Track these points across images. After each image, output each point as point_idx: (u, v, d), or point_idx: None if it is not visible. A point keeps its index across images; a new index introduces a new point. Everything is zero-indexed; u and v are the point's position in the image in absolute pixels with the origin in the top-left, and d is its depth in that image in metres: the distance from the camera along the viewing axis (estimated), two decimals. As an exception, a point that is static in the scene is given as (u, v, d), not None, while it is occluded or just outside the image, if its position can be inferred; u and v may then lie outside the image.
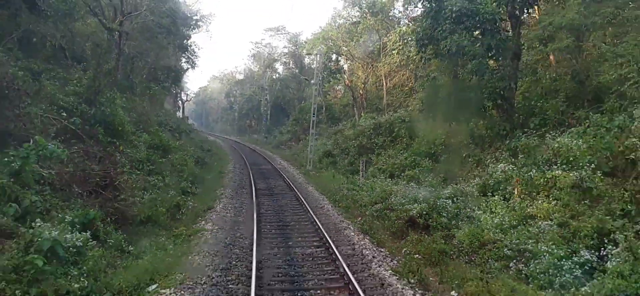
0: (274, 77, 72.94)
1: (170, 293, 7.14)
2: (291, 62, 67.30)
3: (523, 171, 13.02)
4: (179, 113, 58.34)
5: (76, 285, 6.51)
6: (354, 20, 42.95)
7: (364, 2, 41.65)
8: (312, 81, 41.08)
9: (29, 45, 17.09)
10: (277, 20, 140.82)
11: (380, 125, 29.11)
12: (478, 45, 19.01)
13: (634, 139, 11.62)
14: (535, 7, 21.41)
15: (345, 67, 46.63)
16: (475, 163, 17.82)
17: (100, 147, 13.80)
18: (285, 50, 68.27)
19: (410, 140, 25.68)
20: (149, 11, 27.95)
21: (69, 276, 6.65)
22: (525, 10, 20.62)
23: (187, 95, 74.34)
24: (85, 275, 6.93)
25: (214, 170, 24.02)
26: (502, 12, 20.01)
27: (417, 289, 7.99)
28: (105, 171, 11.86)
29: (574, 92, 18.27)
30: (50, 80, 15.81)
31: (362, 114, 39.06)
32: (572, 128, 15.24)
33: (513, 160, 14.68)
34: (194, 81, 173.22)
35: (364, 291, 7.53)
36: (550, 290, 8.45)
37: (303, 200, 16.27)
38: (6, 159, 8.96)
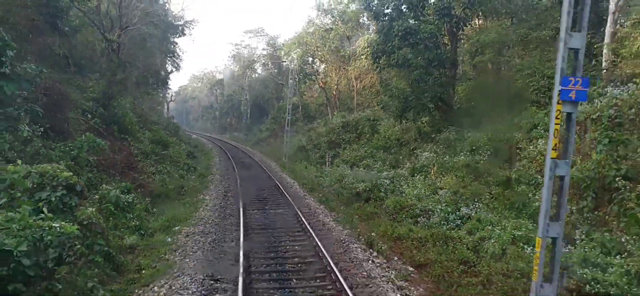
0: (254, 76, 76.74)
1: (189, 229, 11.32)
2: (270, 63, 71.20)
3: (440, 157, 17.52)
4: (165, 113, 61.68)
5: (132, 223, 10.61)
6: (327, 27, 47.23)
7: (335, 10, 45.99)
8: (289, 82, 45.32)
9: (51, 58, 20.82)
10: (257, 22, 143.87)
11: (348, 124, 33.49)
12: (419, 58, 23.50)
13: (517, 134, 16.21)
14: (471, 24, 26.07)
15: (321, 69, 50.90)
16: (415, 153, 22.35)
17: (117, 141, 17.75)
18: (264, 52, 72.18)
19: (371, 136, 30.11)
20: (142, 22, 31.67)
21: (127, 218, 10.75)
22: (461, 28, 25.21)
23: (170, 95, 77.36)
24: (135, 218, 11.03)
25: (203, 162, 28.03)
26: (443, 29, 24.56)
27: (347, 229, 12.33)
28: (127, 158, 15.85)
29: (498, 95, 22.95)
30: (71, 88, 19.62)
31: (335, 113, 43.37)
32: (488, 125, 19.85)
33: (436, 149, 19.21)
34: (174, 80, 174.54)
35: (311, 228, 11.83)
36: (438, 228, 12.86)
37: (277, 182, 20.51)
38: (67, 148, 12.92)
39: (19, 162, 7.77)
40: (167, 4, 38.09)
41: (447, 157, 17.09)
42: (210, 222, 12.37)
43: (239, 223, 12.26)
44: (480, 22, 27.05)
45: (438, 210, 13.71)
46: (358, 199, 16.66)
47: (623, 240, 8.41)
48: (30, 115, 11.88)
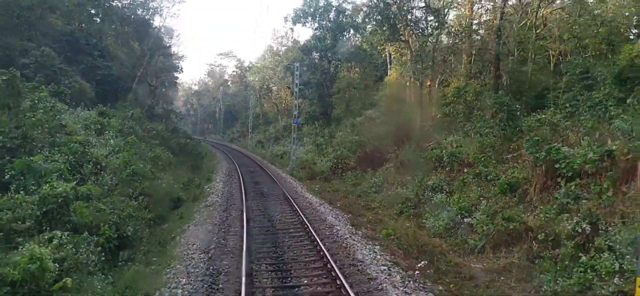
0: (227, 91, 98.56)
1: (217, 167, 33.78)
2: (238, 81, 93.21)
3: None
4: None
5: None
6: (277, 59, 69.71)
7: (281, 50, 68.64)
8: (250, 100, 67.72)
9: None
10: (227, 41, 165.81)
11: (288, 126, 56.16)
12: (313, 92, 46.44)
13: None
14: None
15: (274, 89, 73.40)
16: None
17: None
18: (233, 72, 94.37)
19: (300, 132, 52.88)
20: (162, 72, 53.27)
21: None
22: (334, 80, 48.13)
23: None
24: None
25: (204, 148, 50.22)
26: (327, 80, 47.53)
27: (278, 169, 35.17)
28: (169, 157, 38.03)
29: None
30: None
31: (283, 119, 65.91)
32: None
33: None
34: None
35: (265, 167, 34.55)
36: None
37: (250, 155, 43.10)
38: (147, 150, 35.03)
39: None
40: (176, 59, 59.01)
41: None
42: (224, 167, 34.66)
43: (236, 165, 34.62)
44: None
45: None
46: (279, 158, 39.29)
47: None
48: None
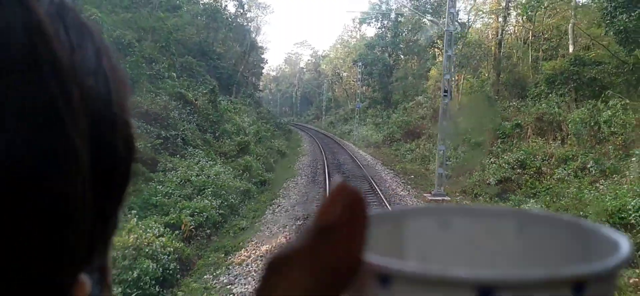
0: (302, 76, 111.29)
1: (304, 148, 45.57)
2: (313, 69, 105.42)
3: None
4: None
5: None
6: (346, 50, 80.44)
7: (351, 42, 79.20)
8: (323, 86, 79.24)
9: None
10: (303, 31, 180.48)
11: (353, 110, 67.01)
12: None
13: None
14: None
15: (344, 75, 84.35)
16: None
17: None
18: (308, 60, 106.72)
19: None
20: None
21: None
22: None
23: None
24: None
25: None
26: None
27: (342, 140, 46.38)
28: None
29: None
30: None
31: (351, 103, 76.71)
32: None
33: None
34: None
35: (337, 141, 45.85)
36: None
37: (323, 132, 54.64)
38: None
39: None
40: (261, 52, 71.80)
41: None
42: (306, 138, 46.28)
43: (314, 138, 46.14)
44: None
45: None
46: (347, 134, 50.31)
47: None
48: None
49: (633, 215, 9.58)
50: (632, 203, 9.83)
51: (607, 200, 10.66)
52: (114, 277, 6.84)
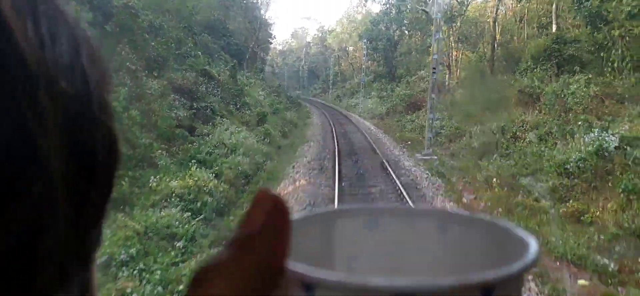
0: (309, 51, 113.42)
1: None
2: (319, 43, 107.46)
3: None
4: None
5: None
6: (353, 25, 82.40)
7: (357, 17, 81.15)
8: (330, 60, 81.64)
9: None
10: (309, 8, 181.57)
11: (359, 83, 69.62)
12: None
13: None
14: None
15: (350, 49, 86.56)
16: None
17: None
18: (315, 35, 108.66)
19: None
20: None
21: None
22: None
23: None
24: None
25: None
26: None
27: (352, 114, 49.22)
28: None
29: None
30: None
31: (357, 77, 79.17)
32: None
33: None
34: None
35: (344, 114, 48.75)
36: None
37: (330, 105, 57.45)
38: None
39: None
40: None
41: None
42: (314, 111, 49.18)
43: (322, 111, 49.00)
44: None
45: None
46: (353, 107, 53.12)
47: None
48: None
49: (572, 165, 12.55)
50: (573, 156, 12.80)
51: (557, 156, 13.62)
52: (183, 207, 10.03)
